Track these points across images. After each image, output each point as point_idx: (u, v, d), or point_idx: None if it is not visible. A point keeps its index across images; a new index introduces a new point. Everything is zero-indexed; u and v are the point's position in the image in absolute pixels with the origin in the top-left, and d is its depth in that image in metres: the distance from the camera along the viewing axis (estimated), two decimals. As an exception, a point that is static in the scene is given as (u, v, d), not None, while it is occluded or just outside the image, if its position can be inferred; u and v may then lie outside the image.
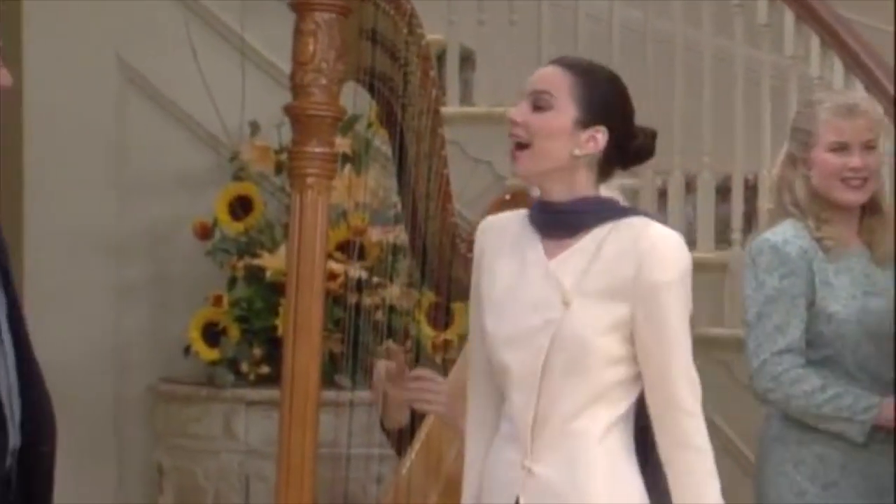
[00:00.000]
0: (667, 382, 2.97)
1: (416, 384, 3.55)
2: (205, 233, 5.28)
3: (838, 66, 5.01)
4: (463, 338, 4.35)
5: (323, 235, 3.44)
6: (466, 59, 5.79)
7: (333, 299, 4.53)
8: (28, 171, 5.44)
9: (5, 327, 3.11)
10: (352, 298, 4.59)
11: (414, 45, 3.54)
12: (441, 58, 5.47)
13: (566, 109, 2.99)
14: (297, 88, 3.48)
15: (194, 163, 5.53)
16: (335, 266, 4.73)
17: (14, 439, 3.07)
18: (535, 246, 3.04)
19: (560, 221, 3.02)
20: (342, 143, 4.71)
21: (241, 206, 5.26)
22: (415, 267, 3.80)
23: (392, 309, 4.73)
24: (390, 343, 3.79)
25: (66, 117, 5.43)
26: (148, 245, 5.52)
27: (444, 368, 3.95)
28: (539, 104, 2.98)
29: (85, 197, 5.47)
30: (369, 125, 5.10)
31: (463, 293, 3.63)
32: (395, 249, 4.73)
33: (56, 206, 5.43)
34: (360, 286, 4.74)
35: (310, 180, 3.44)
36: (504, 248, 3.08)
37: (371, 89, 3.60)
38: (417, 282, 3.96)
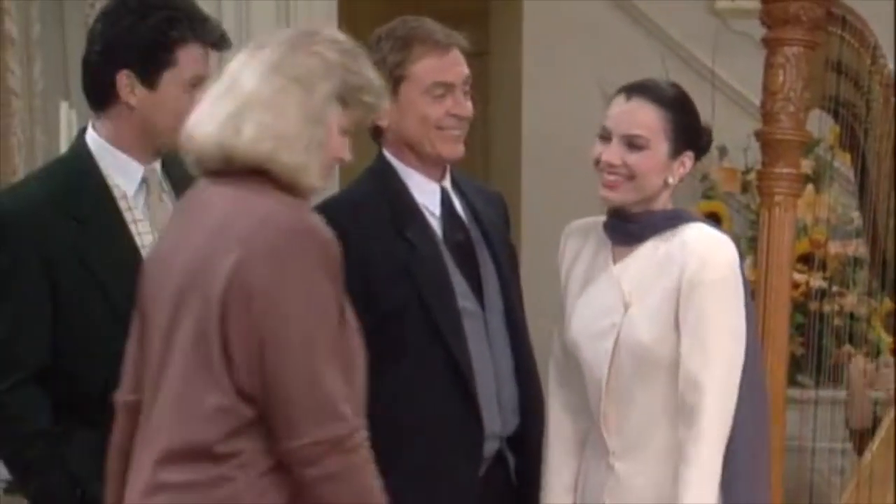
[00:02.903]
0: (693, 375, 2.78)
1: (887, 371, 3.42)
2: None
3: None
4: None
5: (790, 249, 3.42)
6: (920, 86, 5.58)
7: (795, 306, 4.43)
8: (525, 189, 5.57)
9: (500, 326, 3.15)
10: (813, 306, 4.50)
11: (877, 74, 3.48)
12: (897, 85, 5.29)
13: (659, 146, 2.87)
14: (767, 115, 3.47)
15: (666, 187, 5.51)
16: (797, 276, 4.64)
17: (496, 425, 3.09)
18: (605, 251, 2.94)
19: (629, 230, 2.90)
20: (805, 165, 4.61)
21: (711, 222, 5.21)
22: (873, 277, 3.70)
23: (851, 316, 4.59)
24: (849, 347, 3.70)
25: (558, 143, 5.52)
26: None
27: (905, 374, 3.81)
28: (634, 144, 2.85)
29: (573, 212, 5.51)
30: (830, 148, 4.97)
31: None
32: (854, 261, 4.61)
33: (548, 220, 5.49)
34: (820, 295, 4.63)
35: (778, 198, 3.43)
36: (582, 252, 2.99)
37: (835, 115, 3.56)
38: (875, 291, 3.85)
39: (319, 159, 2.47)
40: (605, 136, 2.91)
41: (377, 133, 3.13)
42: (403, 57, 3.07)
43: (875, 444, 3.52)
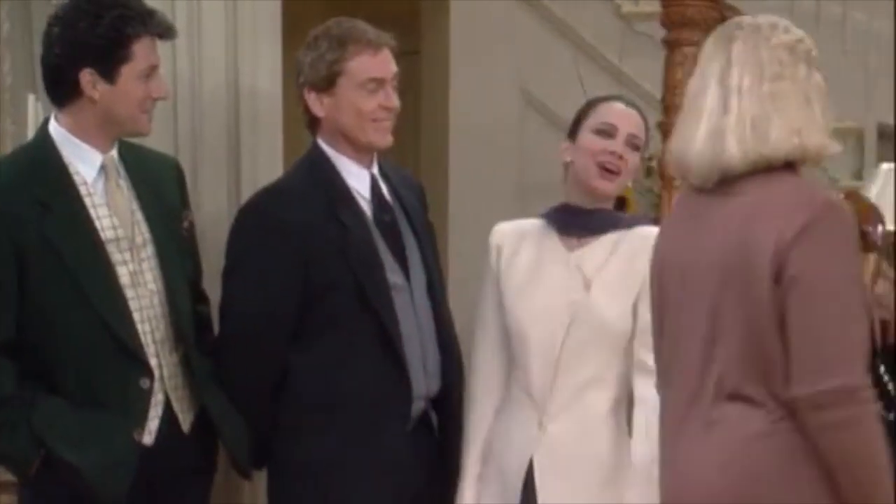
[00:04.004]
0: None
1: None
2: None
3: None
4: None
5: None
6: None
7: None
8: (452, 175, 5.53)
9: (423, 298, 3.21)
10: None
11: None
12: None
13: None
14: (668, 108, 3.54)
15: (580, 171, 5.55)
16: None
17: (422, 387, 3.16)
18: (553, 241, 3.04)
19: (590, 223, 3.02)
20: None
21: (618, 204, 5.28)
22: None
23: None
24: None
25: (480, 134, 5.53)
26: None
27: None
28: (634, 144, 3.00)
29: (493, 198, 5.54)
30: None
31: None
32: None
33: (472, 205, 5.52)
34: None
35: (677, 182, 3.51)
36: (521, 244, 3.08)
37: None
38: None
39: (827, 127, 2.51)
40: (609, 133, 3.02)
41: (313, 124, 3.19)
42: (339, 55, 3.12)
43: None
